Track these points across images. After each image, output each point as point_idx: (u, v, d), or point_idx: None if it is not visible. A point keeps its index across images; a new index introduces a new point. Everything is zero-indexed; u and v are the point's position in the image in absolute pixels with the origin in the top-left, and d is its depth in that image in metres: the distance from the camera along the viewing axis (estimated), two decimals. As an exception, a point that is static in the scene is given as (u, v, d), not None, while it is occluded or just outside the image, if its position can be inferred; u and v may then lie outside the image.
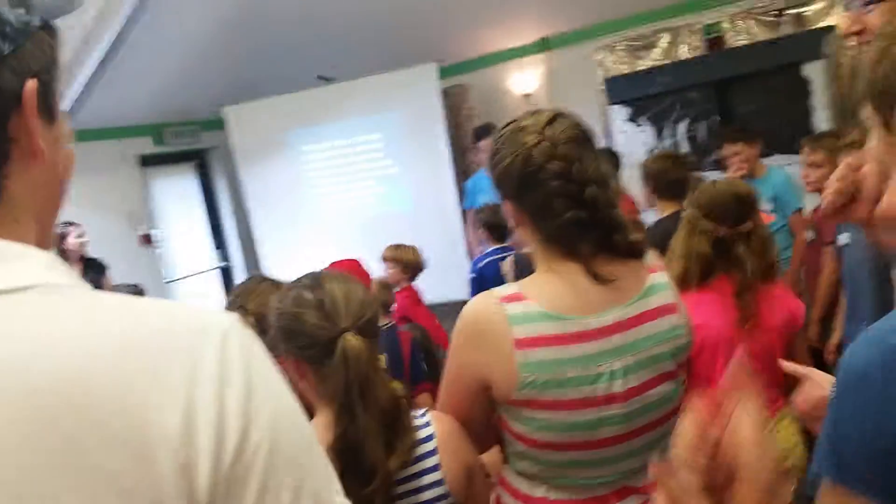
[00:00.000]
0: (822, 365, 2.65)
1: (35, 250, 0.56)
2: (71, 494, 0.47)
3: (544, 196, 1.17)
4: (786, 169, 3.59)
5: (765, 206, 3.53)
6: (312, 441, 0.57)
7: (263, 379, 0.55)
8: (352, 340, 1.16)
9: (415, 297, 3.68)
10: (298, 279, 1.29)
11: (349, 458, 1.10)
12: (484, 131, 4.78)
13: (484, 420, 1.26)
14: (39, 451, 0.47)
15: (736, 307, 1.89)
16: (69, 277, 0.56)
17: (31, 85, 0.57)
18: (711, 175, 4.48)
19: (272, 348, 1.13)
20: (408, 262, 3.68)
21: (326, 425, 1.14)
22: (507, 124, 1.26)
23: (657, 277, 1.25)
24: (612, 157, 4.11)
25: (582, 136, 1.21)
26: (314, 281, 1.24)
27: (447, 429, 1.24)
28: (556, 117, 1.22)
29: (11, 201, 0.56)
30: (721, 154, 3.61)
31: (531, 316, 1.15)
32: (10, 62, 0.56)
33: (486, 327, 1.17)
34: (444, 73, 5.41)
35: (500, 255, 3.33)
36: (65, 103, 4.56)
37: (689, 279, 1.92)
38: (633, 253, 1.23)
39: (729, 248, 1.91)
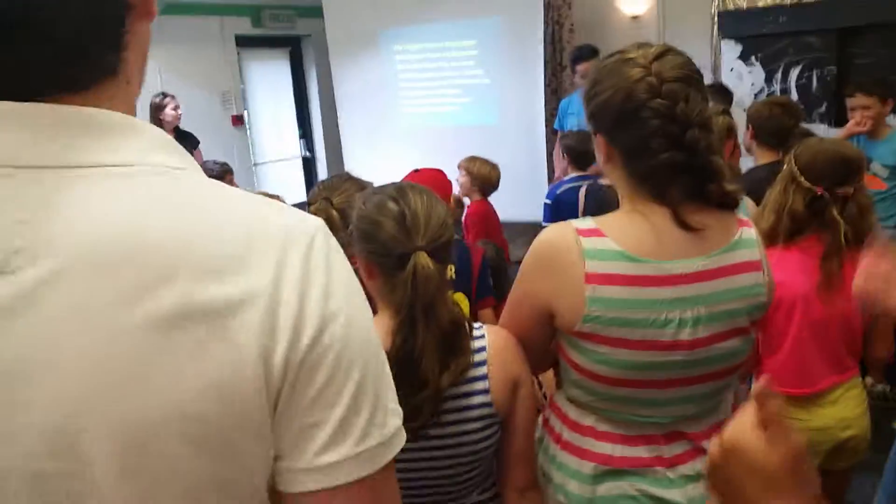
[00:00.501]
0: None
1: (151, 128, 0.58)
2: (160, 357, 0.51)
3: (642, 134, 1.14)
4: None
5: (880, 170, 3.35)
6: (379, 349, 0.62)
7: (342, 285, 0.58)
8: (424, 260, 1.17)
9: (483, 212, 3.69)
10: (384, 186, 1.31)
11: (404, 368, 1.14)
12: (583, 53, 4.60)
13: (543, 345, 1.29)
14: (131, 317, 0.50)
15: (820, 270, 1.85)
16: (179, 158, 0.58)
17: None
18: (819, 128, 4.26)
19: (348, 245, 1.19)
20: (479, 176, 3.69)
21: (387, 329, 1.18)
22: (612, 54, 1.21)
23: (746, 232, 1.22)
24: (725, 93, 3.90)
25: (691, 76, 1.16)
26: (399, 191, 1.25)
27: (501, 343, 1.26)
28: (665, 52, 1.17)
29: (126, 64, 0.57)
30: (850, 102, 3.39)
31: (607, 253, 1.14)
32: None
33: (559, 257, 1.17)
34: (549, -19, 5.18)
35: (579, 184, 3.28)
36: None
37: (778, 235, 1.87)
38: (727, 204, 1.19)
39: (824, 209, 1.85)
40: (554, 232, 1.20)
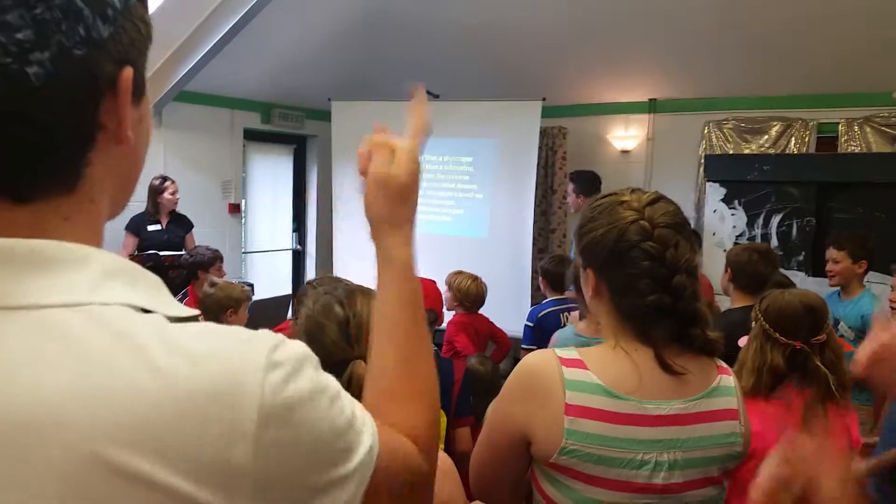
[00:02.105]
0: None
1: (96, 255, 0.52)
2: None
3: (632, 274, 1.18)
4: (873, 292, 3.48)
5: (847, 332, 3.38)
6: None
7: (304, 438, 0.54)
8: (362, 369, 1.16)
9: (459, 322, 3.69)
10: (335, 286, 1.30)
11: None
12: (583, 180, 4.80)
13: (518, 473, 1.27)
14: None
15: (802, 420, 1.85)
16: (122, 289, 0.52)
17: (128, 73, 0.53)
18: (797, 276, 4.39)
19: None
20: (459, 290, 3.71)
21: None
22: (606, 195, 1.28)
23: (725, 380, 1.25)
24: (695, 237, 4.07)
25: (681, 224, 1.22)
26: (348, 295, 1.25)
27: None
28: (658, 199, 1.24)
29: (90, 183, 0.53)
30: (826, 254, 3.51)
31: (588, 386, 1.15)
32: (108, 47, 0.51)
33: (541, 384, 1.17)
34: (546, 111, 5.48)
35: (559, 307, 3.34)
36: (183, 67, 4.84)
37: (759, 391, 1.88)
38: (707, 350, 1.22)
39: (804, 361, 1.88)
40: (537, 358, 1.22)
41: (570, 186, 5.09)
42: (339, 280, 1.86)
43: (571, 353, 1.21)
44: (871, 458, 1.12)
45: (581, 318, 2.55)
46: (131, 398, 0.47)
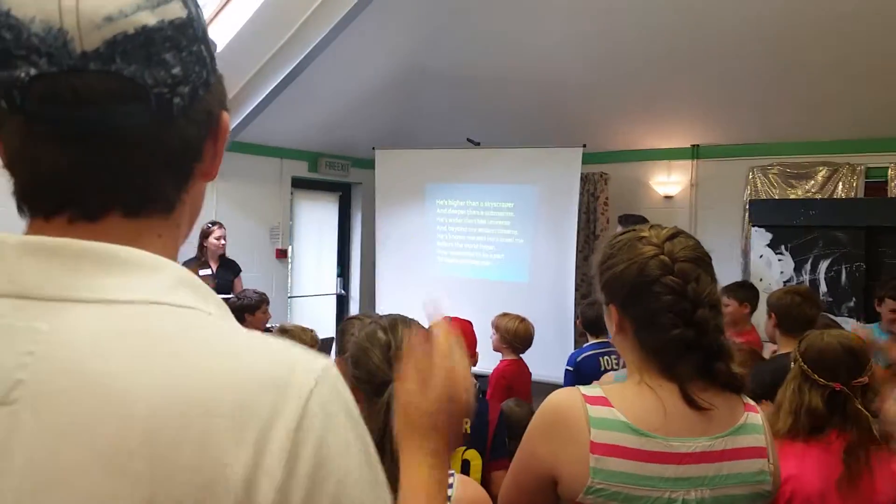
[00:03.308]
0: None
1: (172, 266, 0.57)
2: None
3: (654, 309, 1.18)
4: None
5: None
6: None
7: (339, 445, 0.54)
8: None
9: (505, 371, 3.67)
10: (378, 317, 1.39)
11: None
12: (632, 223, 4.79)
13: None
14: (108, 479, 0.48)
15: (841, 465, 1.80)
16: (193, 297, 0.56)
17: (227, 116, 0.63)
18: (848, 323, 4.26)
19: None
20: (506, 331, 3.70)
21: None
22: (625, 232, 1.29)
23: (753, 417, 1.23)
24: (750, 289, 3.98)
25: (701, 258, 1.23)
26: (391, 323, 1.33)
27: (470, 495, 1.26)
28: (677, 234, 1.25)
29: (181, 209, 0.61)
30: (893, 304, 3.45)
31: (613, 424, 1.15)
32: (215, 91, 0.61)
33: (565, 423, 1.17)
34: (587, 158, 5.52)
35: (599, 351, 3.31)
36: (235, 119, 5.06)
37: (798, 433, 1.83)
38: (733, 385, 1.21)
39: (844, 404, 1.84)
40: (562, 396, 1.22)
41: (619, 229, 5.07)
42: (379, 315, 1.92)
43: (596, 390, 1.22)
44: None
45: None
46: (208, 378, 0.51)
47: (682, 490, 1.15)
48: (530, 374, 3.79)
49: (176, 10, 0.56)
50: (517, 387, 3.62)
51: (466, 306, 4.94)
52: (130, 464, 0.48)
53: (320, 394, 0.53)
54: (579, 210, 5.61)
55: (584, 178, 5.86)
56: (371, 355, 1.27)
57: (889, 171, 4.99)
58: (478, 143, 6.01)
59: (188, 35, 0.57)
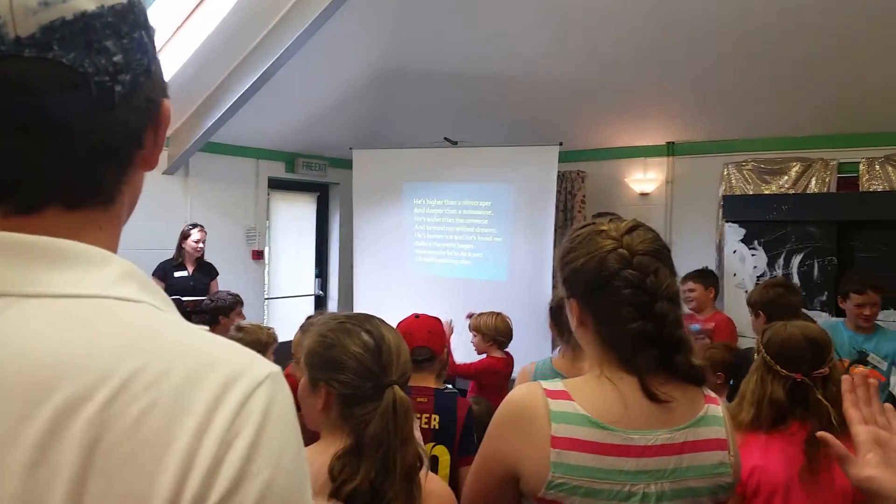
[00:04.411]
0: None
1: (118, 260, 0.56)
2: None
3: (613, 303, 1.18)
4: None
5: (878, 362, 3.37)
6: None
7: (272, 445, 0.51)
8: (401, 392, 1.21)
9: (499, 366, 3.66)
10: (354, 317, 1.35)
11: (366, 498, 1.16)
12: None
13: None
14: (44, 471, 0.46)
15: (804, 455, 1.82)
16: (141, 291, 0.55)
17: (168, 103, 0.62)
18: (821, 316, 4.31)
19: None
20: (488, 329, 3.70)
21: (333, 462, 1.19)
22: (585, 225, 1.29)
23: (713, 409, 1.23)
24: (713, 276, 4.13)
25: (660, 250, 1.23)
26: (373, 325, 1.30)
27: (434, 492, 1.26)
28: (636, 227, 1.24)
29: (121, 199, 0.59)
30: (858, 299, 3.48)
31: (574, 417, 1.15)
32: (155, 79, 0.59)
33: (526, 418, 1.17)
34: (564, 156, 5.54)
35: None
36: (210, 119, 5.02)
37: (760, 424, 1.85)
38: (693, 377, 1.21)
39: (806, 395, 1.86)
40: (523, 391, 1.21)
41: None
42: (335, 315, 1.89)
43: (557, 384, 1.21)
44: None
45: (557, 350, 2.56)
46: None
47: (643, 483, 1.15)
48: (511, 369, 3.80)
49: None
50: (501, 382, 3.61)
51: (446, 305, 4.95)
52: (63, 456, 0.46)
53: (270, 386, 0.52)
54: (557, 208, 5.63)
55: (562, 177, 5.88)
56: (361, 358, 1.24)
57: (861, 166, 5.05)
58: (455, 143, 6.01)
59: (129, 21, 0.56)
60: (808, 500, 1.79)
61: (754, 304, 3.06)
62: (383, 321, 1.36)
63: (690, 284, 4.08)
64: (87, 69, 0.52)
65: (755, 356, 1.96)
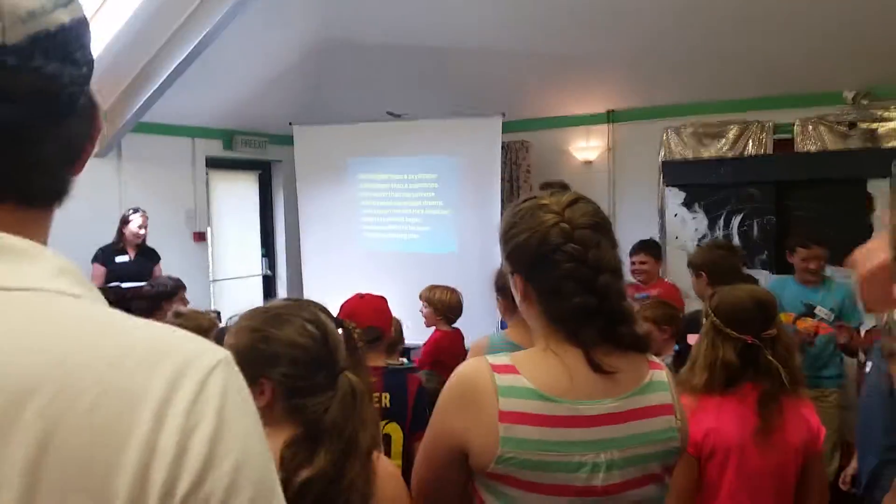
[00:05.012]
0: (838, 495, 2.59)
1: (51, 254, 0.56)
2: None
3: (556, 277, 1.18)
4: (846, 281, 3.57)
5: (825, 314, 3.49)
6: (273, 495, 0.54)
7: (235, 427, 0.51)
8: (355, 378, 1.19)
9: (439, 341, 3.69)
10: (283, 306, 1.30)
11: (328, 489, 1.14)
12: (551, 188, 4.83)
13: (458, 486, 1.25)
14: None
15: (757, 416, 1.86)
16: (77, 286, 0.55)
17: (101, 109, 0.64)
18: (762, 274, 4.45)
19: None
20: (440, 303, 3.71)
21: (287, 452, 1.17)
22: (527, 199, 1.28)
23: (658, 375, 1.24)
24: (655, 247, 4.20)
25: (601, 224, 1.22)
26: (310, 312, 1.26)
27: (383, 474, 1.27)
28: (577, 200, 1.23)
29: (65, 193, 0.60)
30: (804, 253, 3.59)
31: (521, 391, 1.14)
32: (89, 84, 0.61)
33: (473, 394, 1.16)
34: (507, 126, 5.54)
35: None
36: (140, 98, 4.82)
37: (714, 387, 1.88)
38: (637, 346, 1.22)
39: (757, 356, 1.89)
40: (469, 367, 1.21)
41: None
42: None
43: (503, 358, 1.21)
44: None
45: (504, 324, 2.58)
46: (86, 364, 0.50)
47: (592, 453, 1.15)
48: (464, 342, 3.81)
49: (79, 9, 0.57)
50: (447, 359, 3.62)
51: (396, 279, 4.92)
52: (13, 450, 0.46)
53: (224, 370, 0.53)
54: (503, 178, 5.64)
55: (506, 147, 5.87)
56: (310, 348, 1.22)
57: (795, 127, 5.18)
58: (398, 116, 5.93)
59: (88, 33, 0.59)
60: (761, 460, 1.84)
61: (697, 266, 3.11)
62: (313, 303, 1.32)
63: (643, 257, 4.10)
64: (63, 80, 0.55)
65: (703, 319, 1.98)
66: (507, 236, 1.26)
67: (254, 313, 1.30)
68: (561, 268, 1.18)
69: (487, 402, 1.14)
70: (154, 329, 0.55)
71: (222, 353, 0.54)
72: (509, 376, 1.17)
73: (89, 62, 0.59)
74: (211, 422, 0.50)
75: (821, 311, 3.52)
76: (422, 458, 1.27)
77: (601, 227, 1.22)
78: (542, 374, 1.17)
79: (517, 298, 1.28)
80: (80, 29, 0.57)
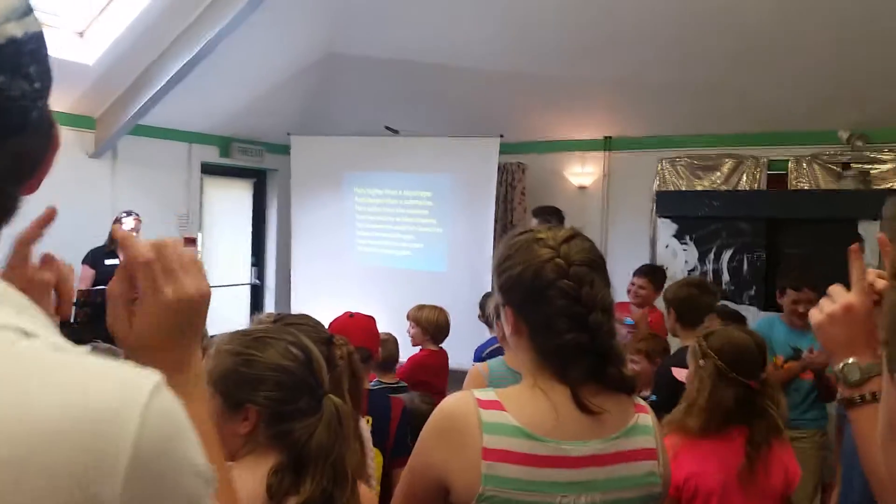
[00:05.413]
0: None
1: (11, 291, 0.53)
2: None
3: (548, 313, 1.17)
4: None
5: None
6: None
7: (172, 475, 0.48)
8: (339, 401, 1.18)
9: (423, 361, 3.65)
10: (266, 330, 1.29)
11: None
12: (545, 215, 4.84)
13: None
14: None
15: (744, 458, 1.84)
16: (26, 320, 0.51)
17: (58, 127, 0.62)
18: (750, 310, 4.44)
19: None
20: (428, 323, 3.69)
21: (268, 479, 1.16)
22: (522, 233, 1.27)
23: (643, 418, 1.23)
24: (659, 273, 4.15)
25: (596, 261, 1.22)
26: (293, 336, 1.25)
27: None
28: (573, 236, 1.23)
29: (13, 212, 0.58)
30: (794, 296, 3.53)
31: (506, 428, 1.13)
32: (47, 100, 0.59)
33: (458, 429, 1.15)
34: (504, 148, 5.56)
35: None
36: (139, 101, 4.81)
37: (709, 431, 1.87)
38: (624, 387, 1.21)
39: (752, 399, 1.88)
40: (455, 401, 1.19)
41: (534, 222, 5.12)
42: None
43: (490, 394, 1.19)
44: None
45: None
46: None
47: (574, 494, 1.14)
48: (448, 363, 3.79)
49: (35, 24, 0.56)
50: (431, 378, 3.60)
51: (385, 295, 4.90)
52: None
53: (149, 429, 0.47)
54: (497, 200, 5.64)
55: (502, 168, 5.88)
56: (295, 371, 1.21)
57: (789, 164, 5.22)
58: (396, 132, 5.94)
59: (44, 48, 0.58)
60: (744, 501, 1.83)
61: (667, 301, 3.09)
62: (297, 326, 1.31)
63: (643, 281, 4.01)
64: (12, 93, 0.54)
65: (700, 361, 1.95)
66: (501, 268, 1.25)
67: (233, 337, 1.28)
68: (554, 304, 1.17)
69: (471, 438, 1.13)
70: (75, 370, 0.48)
71: (149, 390, 0.48)
72: (495, 412, 1.15)
73: (45, 78, 0.57)
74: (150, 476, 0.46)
75: (808, 356, 3.50)
76: (402, 490, 1.25)
77: (596, 264, 1.22)
78: (529, 412, 1.16)
79: (507, 330, 1.27)
80: (34, 44, 0.56)
